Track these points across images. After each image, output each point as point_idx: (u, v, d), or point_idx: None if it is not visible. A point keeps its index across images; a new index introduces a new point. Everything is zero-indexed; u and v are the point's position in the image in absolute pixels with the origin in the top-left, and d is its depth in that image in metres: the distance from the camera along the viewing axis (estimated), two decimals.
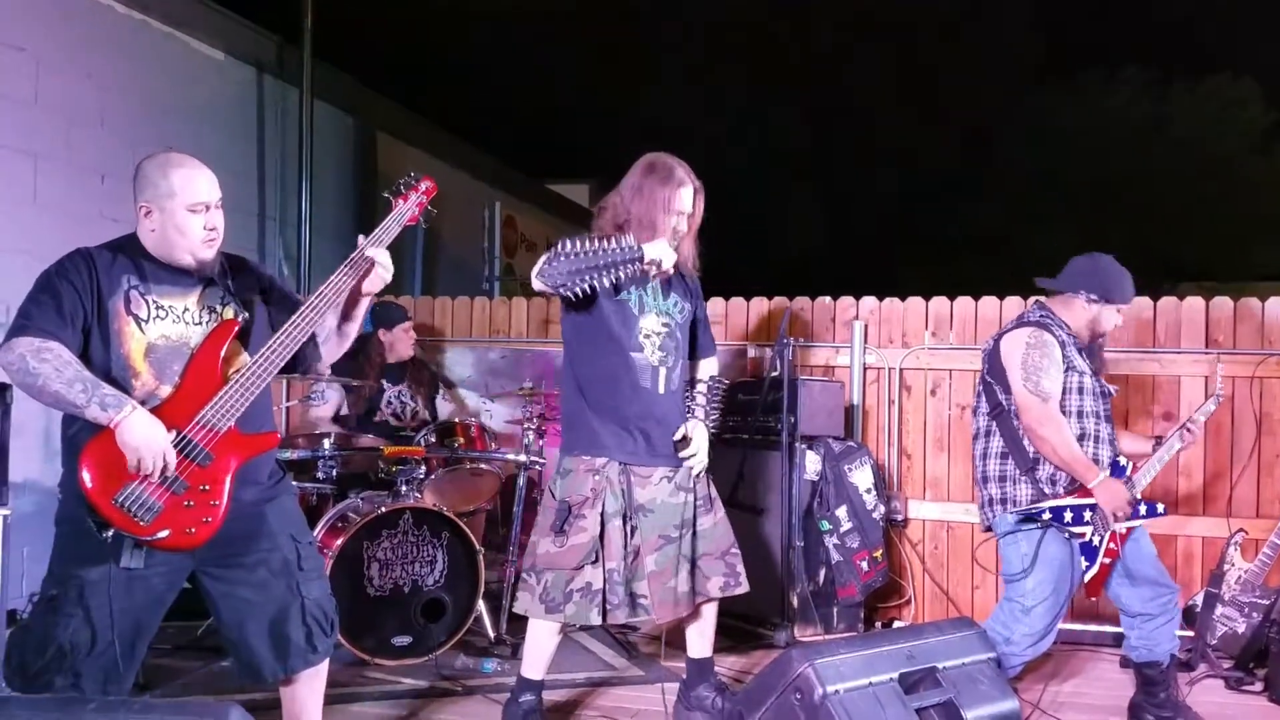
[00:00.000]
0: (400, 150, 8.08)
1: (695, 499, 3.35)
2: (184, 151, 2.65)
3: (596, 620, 3.16)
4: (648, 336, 3.27)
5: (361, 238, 2.70)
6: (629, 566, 3.20)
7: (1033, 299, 5.02)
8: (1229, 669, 4.15)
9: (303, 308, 2.62)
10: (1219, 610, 4.30)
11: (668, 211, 3.21)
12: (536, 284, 3.03)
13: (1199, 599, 4.40)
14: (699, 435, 3.36)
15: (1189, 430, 3.58)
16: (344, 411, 5.07)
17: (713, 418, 3.48)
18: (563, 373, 3.40)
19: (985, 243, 12.16)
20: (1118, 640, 4.35)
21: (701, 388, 3.49)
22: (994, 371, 3.44)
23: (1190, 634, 4.26)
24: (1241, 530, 4.43)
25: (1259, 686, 3.98)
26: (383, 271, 2.72)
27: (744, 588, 3.42)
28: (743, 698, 2.77)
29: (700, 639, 3.48)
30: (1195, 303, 4.94)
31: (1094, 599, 3.42)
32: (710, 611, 3.45)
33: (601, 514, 3.18)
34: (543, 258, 2.98)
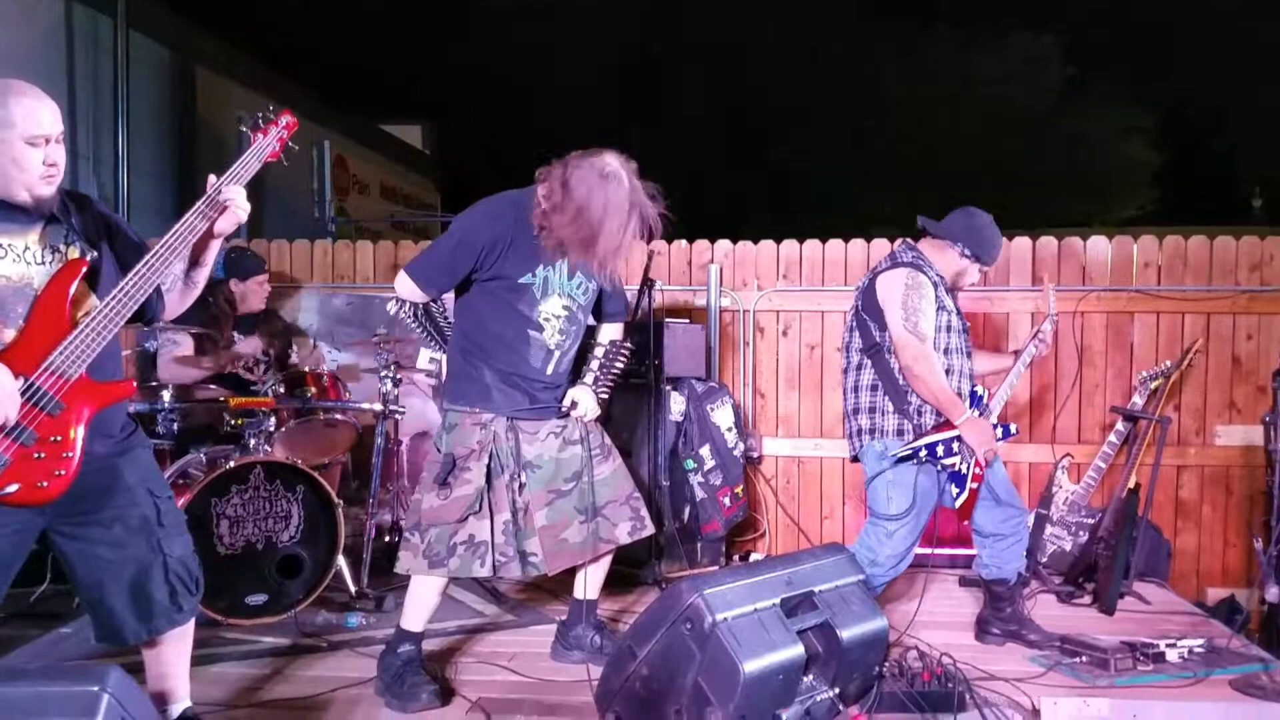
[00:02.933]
0: (222, 85, 7.61)
1: (588, 450, 3.31)
2: None
3: (481, 572, 3.11)
4: (547, 319, 3.18)
5: (213, 177, 2.52)
6: (519, 523, 3.16)
7: (875, 241, 5.23)
8: (1059, 584, 4.47)
9: (153, 250, 2.43)
10: (1048, 530, 4.63)
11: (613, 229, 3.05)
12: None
13: (1029, 520, 4.71)
14: (582, 396, 3.29)
15: (1041, 341, 3.77)
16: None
17: (605, 383, 3.38)
18: (455, 323, 3.27)
19: (811, 195, 12.54)
20: (962, 562, 4.63)
21: (599, 352, 3.39)
22: (869, 308, 3.54)
23: None
24: (1068, 455, 4.76)
25: (1088, 599, 4.32)
26: (239, 212, 2.55)
27: (650, 530, 3.44)
28: (632, 632, 2.79)
29: (592, 582, 3.48)
30: (1023, 243, 5.24)
31: (965, 522, 3.62)
32: (607, 557, 3.46)
33: (488, 468, 3.12)
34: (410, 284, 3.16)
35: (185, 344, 4.64)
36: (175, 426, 4.23)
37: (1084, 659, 3.41)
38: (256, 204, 7.89)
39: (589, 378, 3.35)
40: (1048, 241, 5.23)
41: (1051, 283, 4.19)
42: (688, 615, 2.63)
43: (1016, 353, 3.83)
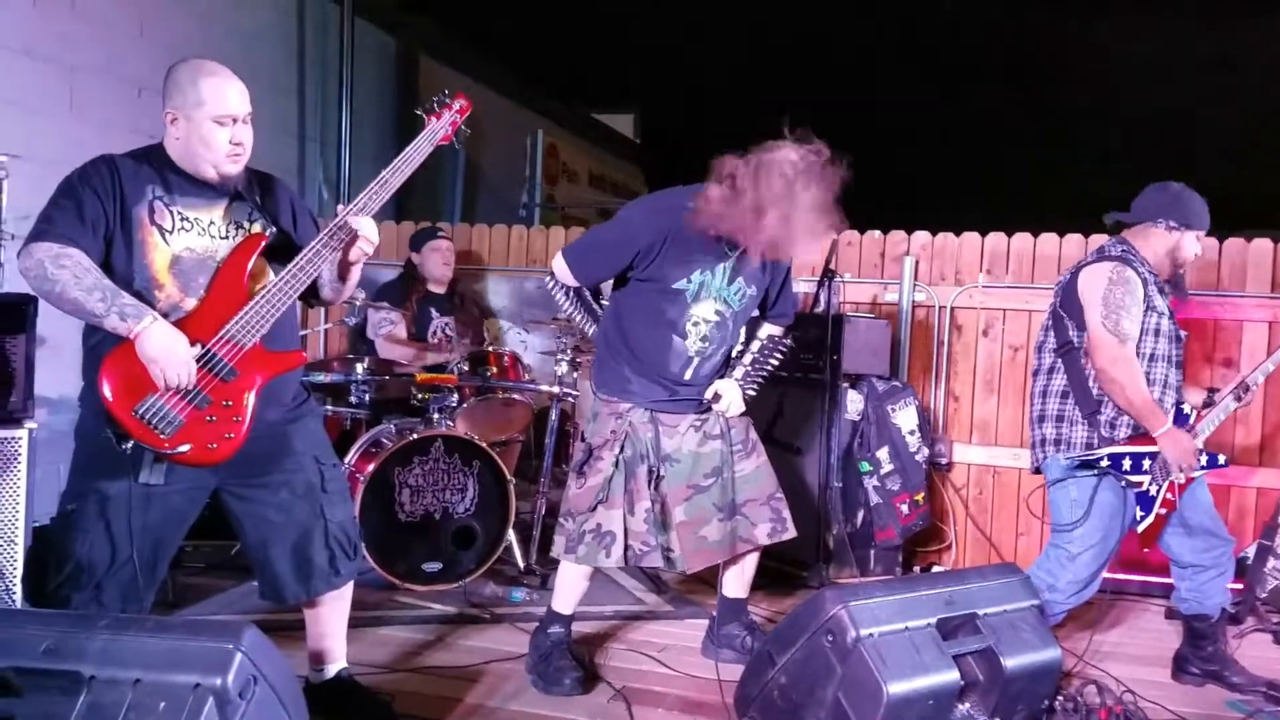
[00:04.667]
0: (442, 73, 7.92)
1: (730, 445, 3.22)
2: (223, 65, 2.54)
3: (607, 563, 3.09)
4: (695, 324, 3.10)
5: (340, 206, 2.58)
6: (656, 515, 3.12)
7: (1094, 236, 4.83)
8: (1278, 623, 4.02)
9: (308, 245, 2.54)
10: (1271, 563, 4.15)
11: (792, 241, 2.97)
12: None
13: (1251, 551, 4.26)
14: (728, 390, 3.20)
15: (1248, 389, 3.37)
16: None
17: (755, 379, 3.28)
18: (606, 310, 3.28)
19: (1035, 180, 11.74)
20: (1164, 591, 4.22)
21: (754, 347, 3.30)
22: (1068, 305, 3.26)
23: (1240, 587, 4.12)
24: None
25: None
26: (365, 245, 2.59)
27: (791, 533, 3.32)
28: (773, 637, 2.69)
29: (737, 580, 3.41)
30: (1263, 244, 4.71)
31: (1146, 549, 3.28)
32: (752, 555, 3.37)
33: (623, 458, 3.09)
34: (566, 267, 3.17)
35: (398, 322, 4.90)
36: (367, 397, 4.45)
37: None
38: (470, 190, 8.17)
39: (738, 372, 3.25)
40: None
41: None
42: (830, 627, 2.50)
43: (1213, 390, 3.42)
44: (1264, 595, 4.13)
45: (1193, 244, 3.28)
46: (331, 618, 2.81)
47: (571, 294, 3.24)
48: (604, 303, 3.29)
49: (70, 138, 4.51)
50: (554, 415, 4.38)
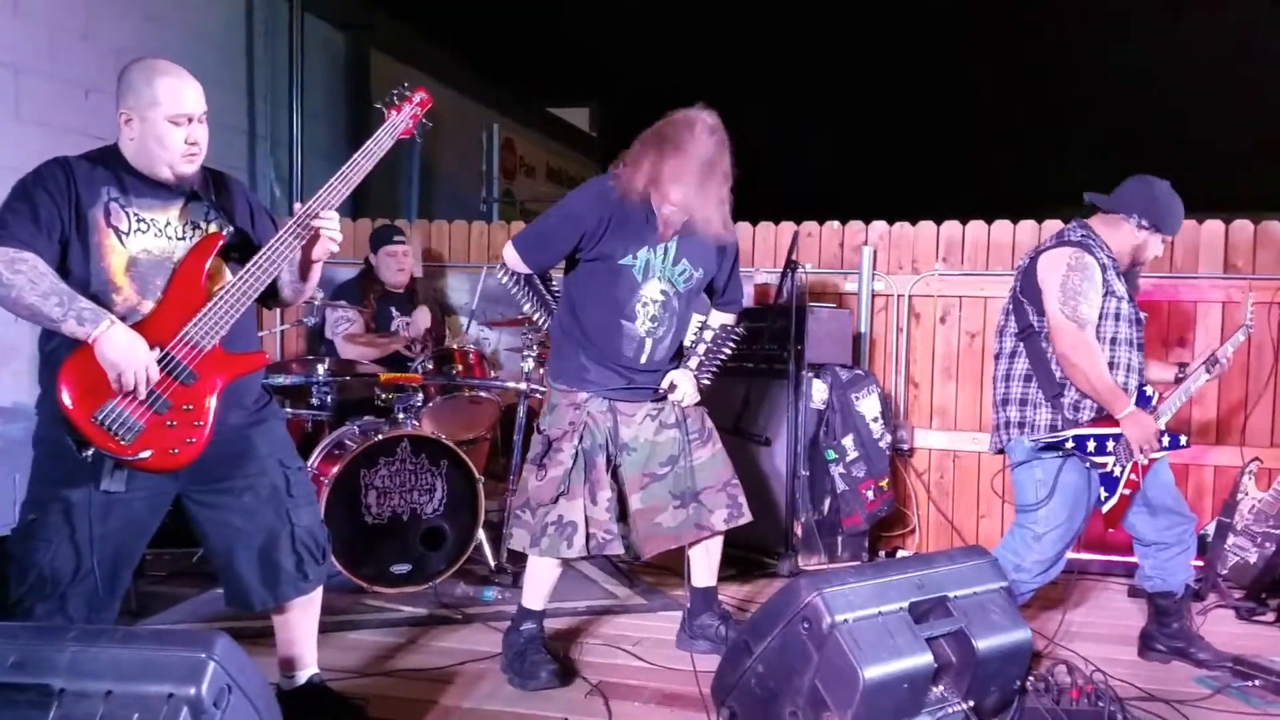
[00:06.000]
0: (395, 68, 7.85)
1: (686, 434, 3.24)
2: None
3: (569, 553, 3.09)
4: (644, 305, 3.12)
5: (297, 205, 2.54)
6: (614, 504, 3.14)
7: (1047, 223, 4.89)
8: (1240, 599, 4.11)
9: (268, 244, 2.49)
10: (1231, 540, 4.24)
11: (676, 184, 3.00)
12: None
13: (1211, 529, 4.34)
14: (682, 380, 3.23)
15: (1218, 362, 3.44)
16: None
17: (709, 369, 3.31)
18: (560, 299, 3.28)
19: (1001, 167, 11.83)
20: (1126, 570, 4.30)
21: (706, 336, 3.32)
22: (1027, 290, 3.28)
23: (1200, 564, 4.20)
24: (1256, 459, 4.34)
25: (1270, 616, 3.94)
26: (329, 243, 2.56)
27: (747, 518, 3.35)
28: (749, 627, 2.69)
29: (704, 568, 3.42)
30: (1214, 226, 4.79)
31: (1111, 529, 3.33)
32: (715, 542, 3.39)
33: (582, 449, 3.10)
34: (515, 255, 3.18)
35: (356, 321, 4.84)
36: (329, 399, 4.39)
37: (1258, 683, 3.11)
38: (427, 186, 8.11)
39: (693, 362, 3.29)
40: (1242, 225, 4.77)
41: (1252, 289, 3.79)
42: (805, 614, 2.51)
43: (1182, 366, 3.49)
44: (1225, 571, 4.21)
45: (1157, 246, 3.32)
46: (301, 623, 2.76)
47: (523, 282, 3.25)
48: (555, 289, 3.30)
49: (17, 142, 4.42)
50: (521, 412, 4.35)
